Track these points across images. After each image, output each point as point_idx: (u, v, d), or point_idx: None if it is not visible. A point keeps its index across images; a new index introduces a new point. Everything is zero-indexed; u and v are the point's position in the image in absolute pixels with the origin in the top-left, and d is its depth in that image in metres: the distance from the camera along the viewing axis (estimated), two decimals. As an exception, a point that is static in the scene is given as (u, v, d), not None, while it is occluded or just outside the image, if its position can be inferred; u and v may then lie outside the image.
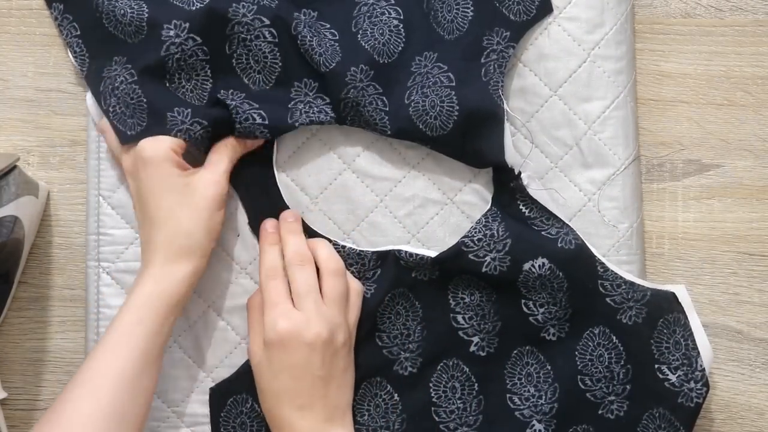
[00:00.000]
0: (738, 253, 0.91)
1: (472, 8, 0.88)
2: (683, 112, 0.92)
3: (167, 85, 0.87)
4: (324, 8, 0.89)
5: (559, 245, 0.86)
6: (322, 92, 0.88)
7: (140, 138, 0.85)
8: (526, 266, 0.86)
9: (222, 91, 0.87)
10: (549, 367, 0.87)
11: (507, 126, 0.87)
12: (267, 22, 0.87)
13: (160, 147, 0.83)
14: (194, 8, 0.86)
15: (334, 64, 0.87)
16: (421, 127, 0.86)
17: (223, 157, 0.85)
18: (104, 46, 0.88)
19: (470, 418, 0.87)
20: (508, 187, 0.87)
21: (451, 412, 0.87)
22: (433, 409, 0.87)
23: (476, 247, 0.87)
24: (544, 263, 0.86)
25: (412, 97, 0.87)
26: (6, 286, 0.88)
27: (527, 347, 0.87)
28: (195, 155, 0.87)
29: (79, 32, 0.89)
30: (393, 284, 0.87)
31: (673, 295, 0.87)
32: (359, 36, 0.88)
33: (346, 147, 0.89)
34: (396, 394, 0.87)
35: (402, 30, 0.88)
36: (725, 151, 0.91)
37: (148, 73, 0.86)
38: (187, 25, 0.86)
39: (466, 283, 0.87)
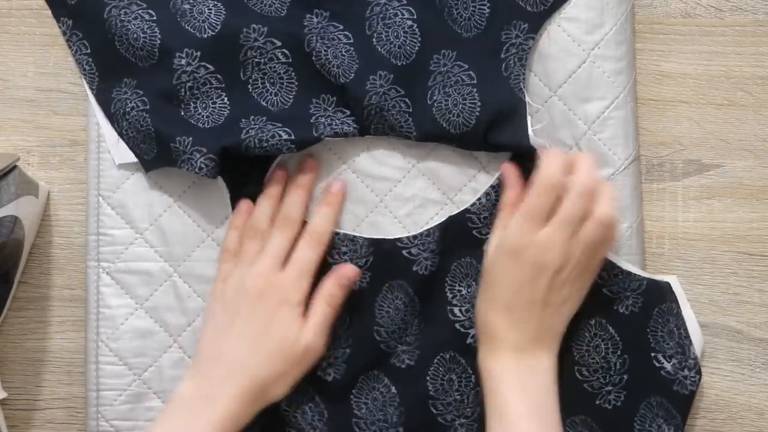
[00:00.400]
0: (738, 253, 0.91)
1: (488, 5, 0.88)
2: (683, 112, 0.92)
3: (182, 114, 0.87)
4: (335, 7, 0.88)
5: None
6: (342, 105, 0.88)
7: (157, 166, 0.87)
8: None
9: (243, 119, 0.87)
10: None
11: (528, 117, 0.87)
12: (279, 43, 0.87)
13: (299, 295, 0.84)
14: (206, 36, 0.87)
15: (353, 74, 0.87)
16: (444, 125, 0.86)
17: (323, 316, 0.84)
18: (115, 67, 0.89)
19: (468, 410, 0.87)
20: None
21: (449, 405, 0.87)
22: (430, 401, 0.87)
23: (481, 225, 0.87)
24: None
25: (435, 97, 0.87)
26: (6, 286, 0.88)
27: None
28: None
29: (89, 50, 0.90)
30: (391, 274, 0.87)
31: (668, 284, 0.87)
32: (374, 40, 0.88)
33: (346, 147, 0.89)
34: (393, 387, 0.87)
35: (417, 30, 0.88)
36: (725, 151, 0.91)
37: (160, 102, 0.87)
38: (199, 53, 0.87)
39: (463, 273, 0.87)
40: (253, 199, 0.88)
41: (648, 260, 0.90)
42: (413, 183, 0.89)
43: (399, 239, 0.88)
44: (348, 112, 0.88)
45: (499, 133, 0.87)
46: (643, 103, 0.91)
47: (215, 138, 0.86)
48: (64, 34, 0.91)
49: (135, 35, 0.87)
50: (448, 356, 0.87)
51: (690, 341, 0.86)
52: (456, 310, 0.87)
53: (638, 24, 0.92)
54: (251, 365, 0.81)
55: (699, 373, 0.86)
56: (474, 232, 0.88)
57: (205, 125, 0.87)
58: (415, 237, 0.88)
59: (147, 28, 0.87)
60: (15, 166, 0.86)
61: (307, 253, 0.85)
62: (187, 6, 0.88)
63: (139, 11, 0.88)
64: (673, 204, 0.91)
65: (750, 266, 0.91)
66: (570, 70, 0.89)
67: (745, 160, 0.91)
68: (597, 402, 0.86)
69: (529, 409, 0.80)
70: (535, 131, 0.87)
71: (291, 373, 0.83)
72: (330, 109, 0.88)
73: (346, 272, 0.85)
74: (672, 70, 0.92)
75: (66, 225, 0.92)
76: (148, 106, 0.87)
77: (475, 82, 0.87)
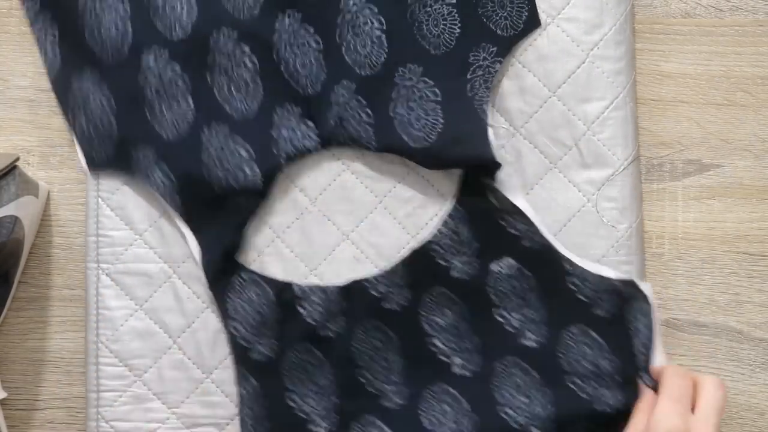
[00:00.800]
0: (738, 253, 0.91)
1: (459, 24, 0.88)
2: (683, 112, 0.92)
3: (147, 115, 0.87)
4: (309, 9, 0.88)
5: (525, 244, 0.86)
6: (306, 117, 0.88)
7: (105, 167, 0.87)
8: (494, 267, 0.86)
9: (205, 128, 0.87)
10: (535, 374, 0.86)
11: (490, 132, 0.87)
12: (247, 50, 0.87)
13: None
14: (176, 37, 0.87)
15: (319, 86, 0.87)
16: (405, 138, 0.86)
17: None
18: (79, 56, 0.89)
19: None
20: (477, 182, 0.87)
21: None
22: None
23: (444, 251, 0.87)
24: (511, 263, 0.86)
25: (397, 110, 0.87)
26: (6, 286, 0.88)
27: (509, 358, 0.86)
28: None
29: (56, 37, 0.90)
30: (364, 316, 0.87)
31: (633, 282, 0.86)
32: (343, 49, 0.88)
33: (346, 147, 0.89)
34: (388, 430, 0.86)
35: (384, 41, 0.88)
36: (725, 151, 0.91)
37: (126, 102, 0.87)
38: (167, 53, 0.87)
39: (436, 303, 0.87)
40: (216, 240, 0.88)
41: (648, 260, 0.90)
42: (412, 183, 0.89)
43: (366, 279, 0.87)
44: (311, 124, 0.88)
45: (458, 149, 0.86)
46: (643, 103, 0.91)
47: (176, 155, 0.86)
48: (28, 11, 0.90)
49: (108, 29, 0.87)
50: (437, 388, 0.86)
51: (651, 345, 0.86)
52: (436, 341, 0.87)
53: (638, 24, 0.91)
54: None
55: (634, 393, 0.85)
56: (438, 260, 0.87)
57: (168, 136, 0.87)
58: (381, 276, 0.87)
59: (120, 24, 0.87)
60: (15, 166, 0.86)
61: None
62: (159, 1, 0.88)
63: (115, 3, 0.88)
64: (673, 204, 0.91)
65: (750, 266, 0.91)
66: (569, 71, 0.89)
67: (745, 160, 0.91)
68: (598, 408, 0.85)
69: None
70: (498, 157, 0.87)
71: None
72: (294, 120, 0.88)
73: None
74: (672, 70, 0.92)
75: (66, 225, 0.92)
76: (114, 106, 0.87)
77: (439, 99, 0.87)
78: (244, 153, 0.87)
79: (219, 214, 0.86)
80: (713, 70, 0.92)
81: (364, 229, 0.89)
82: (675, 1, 0.92)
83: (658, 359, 0.85)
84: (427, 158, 0.87)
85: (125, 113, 0.88)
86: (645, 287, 0.86)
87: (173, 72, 0.87)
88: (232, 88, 0.88)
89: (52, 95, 0.92)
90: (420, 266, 0.87)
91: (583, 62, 0.89)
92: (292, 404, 0.87)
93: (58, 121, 0.92)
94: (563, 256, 0.87)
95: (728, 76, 0.92)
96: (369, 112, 0.87)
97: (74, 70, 0.89)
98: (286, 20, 0.88)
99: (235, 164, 0.86)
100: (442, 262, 0.87)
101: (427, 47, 0.88)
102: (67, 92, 0.89)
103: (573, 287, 0.86)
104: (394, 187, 0.89)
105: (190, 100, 0.88)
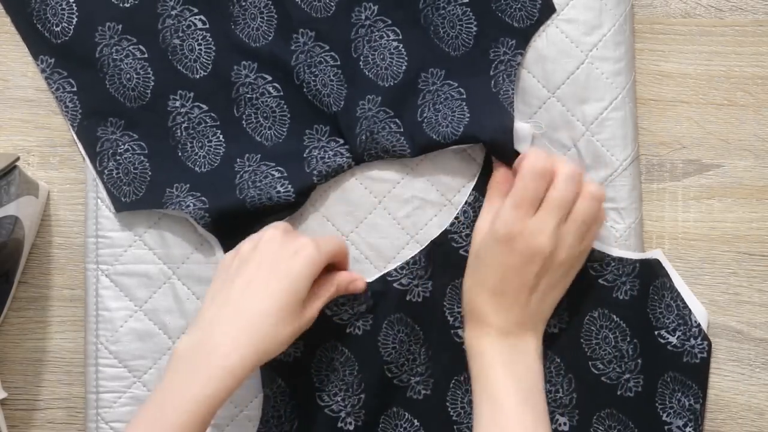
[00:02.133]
0: (738, 253, 0.91)
1: (475, 23, 0.88)
2: (683, 112, 0.91)
3: (179, 154, 0.88)
4: (321, 27, 0.89)
5: None
6: (335, 134, 0.88)
7: (134, 207, 0.88)
8: None
9: (238, 159, 0.88)
10: (558, 360, 0.87)
11: (521, 125, 0.87)
12: (269, 78, 0.88)
13: (313, 258, 0.80)
14: (198, 76, 0.88)
15: (342, 102, 0.88)
16: (435, 137, 0.87)
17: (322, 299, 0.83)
18: (101, 106, 0.90)
19: None
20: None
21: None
22: (455, 427, 0.87)
23: (465, 243, 0.88)
24: None
25: (425, 114, 0.87)
26: (6, 286, 0.89)
27: None
28: None
29: (75, 89, 0.90)
30: (389, 310, 0.87)
31: (657, 261, 0.88)
32: (361, 63, 0.88)
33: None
34: (416, 420, 0.87)
35: (403, 50, 0.88)
36: (725, 151, 0.91)
37: (157, 145, 0.88)
38: (192, 94, 0.88)
39: (460, 295, 0.87)
40: None
41: (648, 260, 0.90)
42: (411, 184, 0.89)
43: (388, 273, 0.88)
44: (341, 141, 0.88)
45: (484, 138, 0.86)
46: (643, 103, 0.91)
47: (211, 182, 0.87)
48: (43, 71, 0.91)
49: (128, 75, 0.89)
50: (462, 378, 0.87)
51: (689, 311, 0.87)
52: (460, 332, 0.87)
53: (638, 24, 0.91)
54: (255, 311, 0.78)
55: (706, 339, 0.87)
56: (461, 251, 0.88)
57: (202, 168, 0.88)
58: (402, 267, 0.88)
59: (140, 69, 0.89)
60: (15, 166, 0.86)
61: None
62: (177, 41, 0.89)
63: (130, 47, 0.89)
64: (673, 204, 0.91)
65: (750, 266, 0.91)
66: (568, 72, 0.89)
67: (745, 160, 0.91)
68: (618, 393, 0.87)
69: (517, 388, 0.80)
70: (534, 135, 0.87)
71: (292, 324, 0.79)
72: (324, 139, 0.88)
73: (358, 285, 0.85)
74: (672, 70, 0.92)
75: (66, 225, 0.92)
76: (146, 151, 0.89)
77: (464, 97, 0.87)
78: (276, 174, 0.87)
79: (249, 231, 0.86)
80: (713, 70, 0.92)
81: (364, 229, 0.89)
82: (675, 1, 0.92)
83: (700, 316, 0.87)
84: (456, 144, 0.87)
85: (158, 156, 0.89)
86: (659, 255, 0.88)
87: (200, 110, 0.88)
88: (260, 117, 0.89)
89: (52, 95, 0.92)
90: (441, 256, 0.88)
91: (582, 63, 0.89)
92: (321, 403, 0.87)
93: (58, 121, 0.92)
94: None
95: (728, 76, 0.91)
96: (398, 122, 0.88)
97: (98, 119, 0.90)
98: (301, 40, 0.88)
99: (268, 183, 0.87)
100: (464, 253, 0.87)
101: (447, 49, 0.88)
102: (93, 141, 0.89)
103: (593, 272, 0.87)
104: (393, 188, 0.89)
105: (221, 135, 0.89)
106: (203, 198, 0.87)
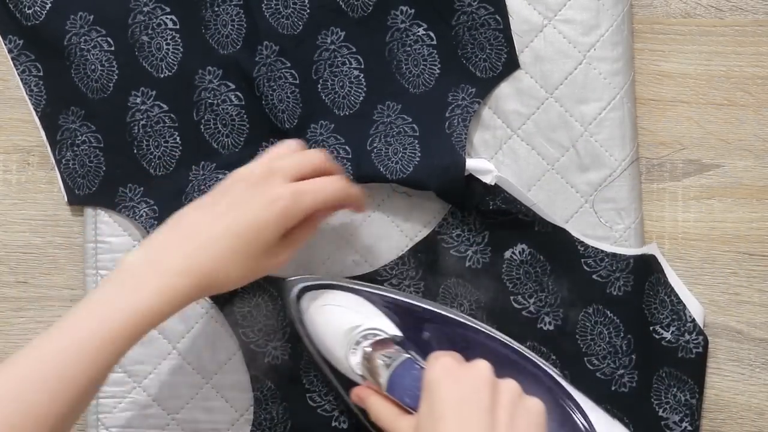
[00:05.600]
0: (738, 253, 0.90)
1: (439, 65, 0.89)
2: (683, 112, 0.91)
3: (135, 152, 0.88)
4: (286, 43, 0.89)
5: (536, 228, 0.87)
6: None
7: (87, 202, 0.88)
8: (507, 254, 0.87)
9: (194, 167, 0.89)
10: (554, 357, 0.88)
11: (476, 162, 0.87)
12: (233, 86, 0.89)
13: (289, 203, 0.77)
14: (162, 75, 0.89)
15: (296, 120, 0.88)
16: (382, 171, 0.87)
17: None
18: (64, 94, 0.90)
19: None
20: (475, 195, 0.87)
21: None
22: None
23: (456, 243, 0.88)
24: (524, 249, 0.87)
25: (375, 145, 0.87)
26: None
27: (528, 343, 0.88)
28: None
29: (41, 73, 0.90)
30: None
31: (653, 257, 0.88)
32: (319, 86, 0.88)
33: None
34: None
35: (363, 80, 0.88)
36: (725, 151, 0.91)
37: (113, 139, 0.89)
38: (154, 92, 0.88)
39: (453, 295, 0.88)
40: None
41: (648, 260, 0.90)
42: (411, 188, 0.89)
43: (377, 273, 0.88)
44: None
45: (434, 181, 0.86)
46: (643, 103, 0.91)
47: (164, 189, 0.88)
48: (10, 51, 0.91)
49: (93, 66, 0.89)
50: None
51: (683, 306, 0.87)
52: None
53: (638, 24, 0.91)
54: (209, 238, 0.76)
55: (701, 334, 0.87)
56: (452, 251, 0.88)
57: (157, 171, 0.89)
58: (391, 268, 0.88)
59: (105, 61, 0.89)
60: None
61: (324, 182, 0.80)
62: (145, 38, 0.89)
63: (99, 39, 0.89)
64: (673, 204, 0.91)
65: (750, 266, 0.90)
66: (566, 72, 0.89)
67: (745, 160, 0.91)
68: (613, 388, 0.87)
69: None
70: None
71: (248, 266, 0.77)
72: None
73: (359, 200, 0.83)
74: (672, 70, 0.91)
75: (66, 225, 0.92)
76: (102, 144, 0.89)
77: (417, 134, 0.87)
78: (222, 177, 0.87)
79: None
80: (713, 70, 0.91)
81: (363, 233, 0.89)
82: (675, 1, 0.92)
83: (695, 311, 0.88)
84: (404, 185, 0.87)
85: (113, 151, 0.89)
86: (653, 250, 0.88)
87: (160, 110, 0.89)
88: (219, 124, 0.89)
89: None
90: (433, 257, 0.88)
91: (580, 63, 0.89)
92: (312, 403, 0.88)
93: (58, 122, 0.92)
94: (576, 238, 0.88)
95: (728, 76, 0.91)
96: (347, 148, 0.87)
97: (61, 107, 0.90)
98: (264, 53, 0.88)
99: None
100: (456, 253, 0.88)
101: (406, 86, 0.89)
102: (55, 129, 0.90)
103: (588, 268, 0.87)
104: (393, 191, 0.89)
105: (177, 138, 0.89)
106: (155, 207, 0.88)
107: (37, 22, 0.90)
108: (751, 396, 0.90)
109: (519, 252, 0.88)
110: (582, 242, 0.87)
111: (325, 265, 0.89)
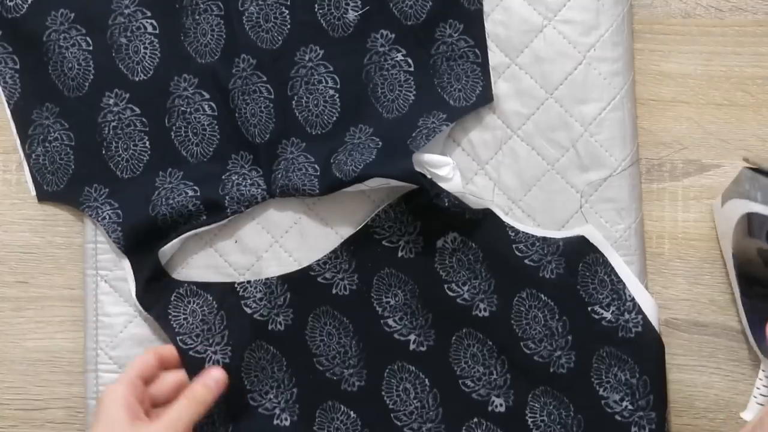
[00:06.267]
0: (738, 253, 0.91)
1: (414, 92, 0.89)
2: (683, 112, 0.91)
3: (103, 152, 0.89)
4: (263, 57, 0.89)
5: (467, 216, 0.87)
6: (257, 165, 0.89)
7: (54, 199, 0.89)
8: (439, 243, 0.88)
9: (161, 173, 0.89)
10: (491, 343, 0.88)
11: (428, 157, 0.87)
12: (207, 96, 0.89)
13: (113, 390, 0.80)
14: (137, 79, 0.89)
15: (267, 135, 0.88)
16: (339, 176, 0.86)
17: (182, 414, 0.80)
18: (39, 89, 0.90)
19: (431, 413, 0.87)
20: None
21: (411, 413, 0.87)
22: (392, 415, 0.88)
23: (388, 234, 0.88)
24: (455, 237, 0.88)
25: (338, 157, 0.87)
26: None
27: (464, 330, 0.88)
28: None
29: (17, 66, 0.90)
30: (312, 304, 0.88)
31: (583, 238, 0.88)
32: (294, 103, 0.88)
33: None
34: (352, 412, 0.88)
35: (337, 100, 0.89)
36: (725, 151, 0.91)
37: (84, 138, 0.89)
38: (128, 95, 0.89)
39: (386, 284, 0.88)
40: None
41: (648, 260, 0.90)
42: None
43: (309, 267, 0.88)
44: (261, 172, 0.89)
45: (387, 170, 0.86)
46: (643, 103, 0.91)
47: (129, 193, 0.88)
48: None
49: (70, 65, 0.89)
50: (396, 367, 0.88)
51: (623, 285, 0.87)
52: (390, 321, 0.88)
53: (638, 24, 0.91)
54: None
55: (641, 313, 0.87)
56: (384, 242, 0.88)
57: (123, 174, 0.89)
58: (324, 262, 0.88)
59: (83, 60, 0.89)
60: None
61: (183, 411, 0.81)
62: (123, 40, 0.89)
63: (78, 37, 0.89)
64: (673, 204, 0.91)
65: (750, 266, 0.90)
66: (566, 72, 0.89)
67: (745, 160, 0.91)
68: (551, 370, 0.87)
69: None
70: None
71: None
72: (246, 166, 0.89)
73: (213, 374, 0.84)
74: (672, 70, 0.91)
75: (66, 225, 0.92)
76: (73, 143, 0.89)
77: (379, 147, 0.87)
78: (191, 192, 0.88)
79: (157, 244, 0.88)
80: (713, 70, 0.91)
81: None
82: (675, 1, 0.92)
83: (641, 298, 0.87)
84: (357, 181, 0.87)
85: (84, 150, 0.89)
86: (587, 231, 0.88)
87: (132, 113, 0.89)
88: (190, 133, 0.89)
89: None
90: (365, 249, 0.88)
91: (580, 64, 0.89)
92: (254, 403, 0.88)
93: (58, 122, 0.92)
94: (506, 223, 0.88)
95: (728, 76, 0.91)
96: (316, 166, 0.88)
97: (35, 102, 0.90)
98: (241, 65, 0.89)
99: (180, 202, 0.87)
100: (388, 244, 0.88)
101: (380, 110, 0.89)
102: (27, 123, 0.90)
103: (519, 253, 0.88)
104: (391, 191, 0.89)
105: (147, 142, 0.89)
106: (119, 210, 0.88)
107: (17, 15, 0.90)
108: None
109: (451, 240, 0.88)
110: (513, 227, 0.88)
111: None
